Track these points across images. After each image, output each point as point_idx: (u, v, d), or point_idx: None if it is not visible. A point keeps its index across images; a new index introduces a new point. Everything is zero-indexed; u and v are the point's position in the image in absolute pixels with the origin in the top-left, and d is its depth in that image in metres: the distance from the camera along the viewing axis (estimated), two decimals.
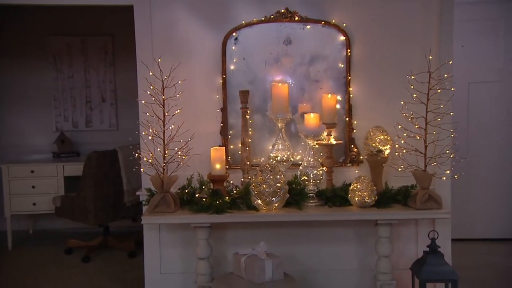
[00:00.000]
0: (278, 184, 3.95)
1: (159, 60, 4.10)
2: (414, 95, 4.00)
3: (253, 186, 3.98)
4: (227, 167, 4.28)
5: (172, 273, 4.52)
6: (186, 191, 4.19)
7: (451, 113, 4.10)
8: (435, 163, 3.99)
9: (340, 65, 4.38)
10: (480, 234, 6.19)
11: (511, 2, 5.93)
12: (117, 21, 6.92)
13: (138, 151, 4.27)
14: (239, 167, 4.37)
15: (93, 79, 7.06)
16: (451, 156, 4.06)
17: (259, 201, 3.97)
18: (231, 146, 4.43)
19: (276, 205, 3.98)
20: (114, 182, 5.74)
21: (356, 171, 4.40)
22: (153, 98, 4.08)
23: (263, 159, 4.39)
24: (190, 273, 4.43)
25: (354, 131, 4.41)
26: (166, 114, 4.06)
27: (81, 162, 6.26)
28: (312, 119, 4.10)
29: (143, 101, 4.15)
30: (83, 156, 6.65)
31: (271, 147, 4.30)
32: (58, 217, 6.12)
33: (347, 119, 4.40)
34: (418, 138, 4.00)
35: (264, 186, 3.94)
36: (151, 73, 4.13)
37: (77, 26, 6.97)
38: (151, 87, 4.08)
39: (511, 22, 6.00)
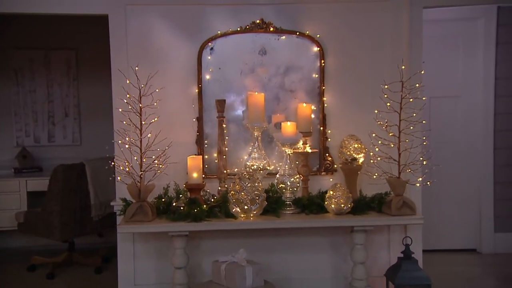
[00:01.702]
0: (256, 192, 3.98)
1: (137, 68, 4.09)
2: (388, 104, 4.10)
3: (231, 193, 3.99)
4: (203, 176, 4.28)
5: (147, 285, 4.47)
6: (163, 200, 4.16)
7: (424, 122, 4.23)
8: (409, 170, 4.09)
9: (314, 75, 4.47)
10: (442, 245, 6.32)
11: (469, 21, 6.16)
12: (81, 35, 6.86)
13: (112, 160, 4.22)
14: (215, 176, 4.38)
15: (56, 93, 6.94)
16: (424, 163, 4.17)
17: (238, 209, 3.98)
18: (206, 156, 4.44)
19: (255, 212, 4.00)
20: (81, 196, 5.64)
21: (331, 180, 4.46)
22: (129, 107, 4.06)
23: (236, 169, 4.40)
24: (165, 283, 4.40)
25: (328, 140, 4.49)
26: (143, 122, 4.04)
27: (44, 177, 6.14)
28: (289, 127, 4.15)
29: (119, 109, 4.11)
30: (46, 171, 6.51)
31: (247, 156, 4.33)
32: (21, 233, 5.94)
33: (321, 128, 4.48)
34: (392, 145, 4.10)
35: (242, 193, 3.95)
36: (128, 81, 4.11)
37: (40, 39, 6.86)
38: (128, 95, 4.06)
39: (469, 40, 6.22)
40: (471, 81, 6.26)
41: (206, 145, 4.44)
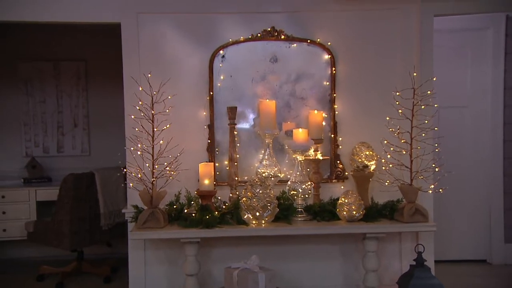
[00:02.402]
0: (268, 198, 3.98)
1: (149, 75, 4.11)
2: (400, 111, 4.10)
3: (243, 200, 3.99)
4: (214, 183, 4.28)
5: None
6: (175, 207, 4.16)
7: (436, 128, 4.22)
8: (421, 177, 4.09)
9: (325, 82, 4.48)
10: (452, 256, 6.28)
11: (477, 31, 6.17)
12: (90, 47, 6.90)
13: (123, 169, 4.23)
14: (226, 183, 4.38)
15: (65, 104, 6.97)
16: (436, 170, 4.16)
17: (249, 215, 3.98)
18: (217, 164, 4.44)
19: (266, 219, 4.00)
20: (90, 205, 5.64)
21: (342, 187, 4.46)
22: (142, 113, 4.07)
23: (246, 177, 4.39)
24: None
25: (340, 147, 4.49)
26: (155, 129, 4.06)
27: (53, 187, 6.14)
28: (300, 134, 4.16)
29: (132, 116, 4.13)
30: (55, 181, 6.51)
31: (258, 163, 4.33)
32: (31, 242, 5.93)
33: (332, 135, 4.48)
34: (404, 152, 4.10)
35: (254, 200, 3.95)
36: (140, 88, 4.13)
37: (50, 51, 6.89)
38: (140, 102, 4.07)
39: (477, 50, 6.22)
40: (479, 91, 6.24)
41: (217, 153, 4.44)
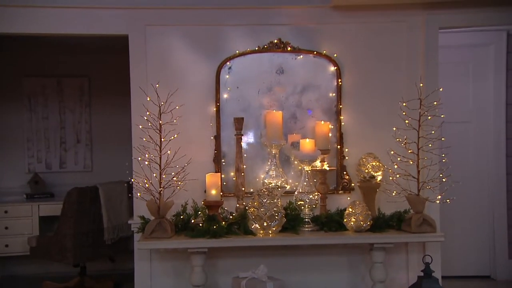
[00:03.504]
0: (275, 208, 3.97)
1: (157, 85, 4.13)
2: (406, 121, 4.12)
3: (251, 210, 3.99)
4: (220, 194, 4.27)
5: None
6: (181, 217, 4.15)
7: (443, 139, 4.24)
8: (429, 187, 4.09)
9: (331, 94, 4.50)
10: (455, 271, 6.25)
11: (479, 47, 6.24)
12: (93, 63, 6.95)
13: (127, 182, 4.23)
14: (232, 194, 4.37)
15: (68, 120, 6.99)
16: (444, 180, 4.16)
17: (257, 225, 3.97)
18: (223, 175, 4.43)
19: (274, 229, 3.99)
20: (94, 219, 5.62)
21: (348, 198, 4.46)
22: (149, 124, 4.08)
23: (252, 190, 4.38)
24: None
25: (346, 158, 4.49)
26: (163, 139, 4.07)
27: (56, 201, 6.15)
28: (307, 144, 4.17)
29: (140, 126, 4.14)
30: (57, 197, 6.50)
31: (264, 174, 4.32)
32: (33, 257, 5.90)
33: (338, 147, 4.49)
34: (411, 162, 4.11)
35: (261, 210, 3.95)
36: (148, 99, 4.15)
37: (52, 67, 6.93)
38: (148, 112, 4.09)
39: (479, 66, 6.28)
40: (482, 107, 6.28)
41: (223, 164, 4.44)
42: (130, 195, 4.27)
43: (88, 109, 7.03)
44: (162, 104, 4.09)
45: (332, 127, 4.46)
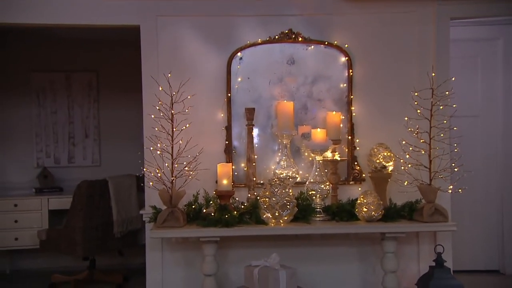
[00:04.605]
0: (287, 198, 3.98)
1: (169, 75, 4.14)
2: (418, 111, 4.12)
3: (263, 199, 3.99)
4: (232, 184, 4.27)
5: None
6: (193, 207, 4.16)
7: (455, 128, 4.24)
8: (441, 176, 4.09)
9: (342, 85, 4.50)
10: (464, 266, 6.23)
11: (487, 41, 6.23)
12: (102, 58, 6.95)
13: (137, 176, 4.24)
14: (243, 185, 4.38)
15: (76, 114, 6.99)
16: (456, 170, 4.16)
17: (268, 214, 3.97)
18: (233, 166, 4.43)
19: (285, 218, 3.99)
20: (103, 212, 5.62)
21: (359, 189, 4.45)
22: (161, 113, 4.09)
23: (262, 181, 4.38)
24: None
25: (357, 149, 4.49)
26: (175, 129, 4.07)
27: (66, 195, 6.16)
28: (319, 134, 4.17)
29: (152, 116, 4.15)
30: (66, 192, 6.50)
31: (275, 165, 4.33)
32: (43, 251, 5.90)
33: (349, 137, 4.49)
34: (423, 152, 4.11)
35: (273, 199, 3.95)
36: (160, 88, 4.16)
37: (62, 62, 6.93)
38: (160, 102, 4.10)
39: (488, 60, 6.27)
40: (490, 101, 6.26)
41: (234, 154, 4.45)
42: (142, 184, 4.26)
43: (96, 104, 7.04)
44: (174, 94, 4.09)
45: (343, 117, 4.46)
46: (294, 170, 4.28)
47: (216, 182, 4.24)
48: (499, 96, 6.22)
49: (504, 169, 6.19)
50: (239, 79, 4.46)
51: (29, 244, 6.11)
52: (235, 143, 4.46)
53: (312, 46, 4.49)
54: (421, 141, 4.10)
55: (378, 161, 4.30)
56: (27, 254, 6.59)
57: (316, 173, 4.22)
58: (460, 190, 4.22)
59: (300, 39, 4.47)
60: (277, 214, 3.96)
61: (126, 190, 5.81)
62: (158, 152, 4.09)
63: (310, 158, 4.37)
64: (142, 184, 4.34)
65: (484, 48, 6.28)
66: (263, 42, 4.47)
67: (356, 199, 4.17)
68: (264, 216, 3.99)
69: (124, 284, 5.79)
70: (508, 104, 6.18)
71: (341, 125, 4.44)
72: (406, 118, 4.24)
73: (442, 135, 4.15)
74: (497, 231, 6.25)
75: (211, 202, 4.16)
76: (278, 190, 3.96)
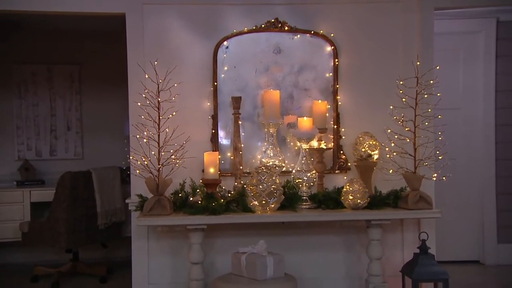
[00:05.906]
0: (274, 186, 3.99)
1: (156, 62, 4.12)
2: (403, 99, 4.16)
3: (249, 187, 3.99)
4: (218, 172, 4.27)
5: (161, 284, 4.43)
6: (180, 195, 4.15)
7: (439, 116, 4.28)
8: (426, 164, 4.13)
9: (328, 74, 4.53)
10: (445, 257, 6.27)
11: (469, 34, 6.30)
12: (84, 51, 6.90)
13: (121, 167, 4.22)
14: (229, 174, 4.39)
15: (58, 107, 6.92)
16: (440, 158, 4.21)
17: (255, 202, 3.98)
18: (219, 156, 4.43)
19: (272, 206, 4.00)
20: (87, 204, 5.58)
21: (345, 178, 4.48)
22: (147, 101, 4.08)
23: (248, 169, 4.40)
24: (180, 283, 4.35)
25: (342, 138, 4.52)
26: (161, 117, 4.06)
27: (48, 187, 6.10)
28: (305, 122, 4.19)
29: (138, 103, 4.13)
30: (48, 185, 6.43)
31: (262, 154, 4.34)
32: (25, 243, 5.84)
33: (335, 126, 4.52)
34: (408, 140, 4.15)
35: (260, 187, 3.96)
36: (147, 76, 4.14)
37: (43, 54, 6.86)
38: (146, 90, 4.08)
39: (469, 53, 6.34)
40: (471, 94, 6.34)
41: (220, 143, 4.45)
42: (128, 173, 4.25)
43: (78, 96, 6.97)
44: (160, 82, 4.08)
45: (329, 106, 4.49)
46: (280, 159, 4.30)
47: (203, 170, 4.24)
48: (480, 89, 6.29)
49: (485, 160, 6.26)
50: (226, 68, 4.46)
51: (10, 237, 6.03)
52: (222, 132, 4.46)
53: (298, 35, 4.51)
54: (406, 129, 4.14)
55: (363, 149, 4.33)
56: (10, 248, 6.51)
57: (303, 162, 4.24)
58: (444, 178, 4.26)
59: (286, 28, 4.48)
60: (264, 202, 3.97)
61: (110, 181, 5.78)
62: (145, 140, 4.08)
63: (296, 148, 4.40)
64: (128, 173, 4.32)
65: (466, 41, 6.35)
66: (249, 31, 4.48)
67: (342, 187, 4.20)
68: (251, 204, 4.00)
69: (107, 276, 5.74)
70: (488, 97, 6.25)
71: (327, 114, 4.45)
72: (391, 107, 4.27)
73: (426, 123, 4.18)
74: (478, 222, 6.32)
75: (197, 190, 4.16)
76: (265, 178, 3.97)
